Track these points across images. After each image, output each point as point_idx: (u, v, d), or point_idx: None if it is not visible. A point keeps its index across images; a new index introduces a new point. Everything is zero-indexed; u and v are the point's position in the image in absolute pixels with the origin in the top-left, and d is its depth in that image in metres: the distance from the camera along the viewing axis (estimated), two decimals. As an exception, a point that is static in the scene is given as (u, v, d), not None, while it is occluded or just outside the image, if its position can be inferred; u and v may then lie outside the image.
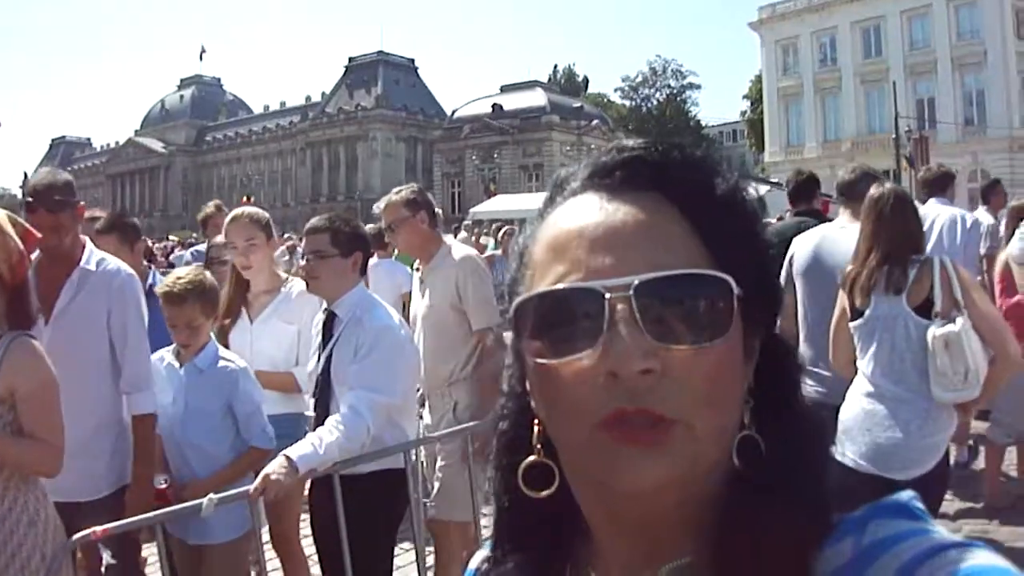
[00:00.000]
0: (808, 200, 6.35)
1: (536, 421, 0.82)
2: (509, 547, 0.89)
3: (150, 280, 4.50)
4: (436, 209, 4.79)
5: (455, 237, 12.67)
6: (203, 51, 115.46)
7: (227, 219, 4.55)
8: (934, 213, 7.02)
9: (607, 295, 0.70)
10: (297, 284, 4.48)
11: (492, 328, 4.64)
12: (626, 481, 0.70)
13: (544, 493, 0.82)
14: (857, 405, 3.93)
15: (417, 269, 4.86)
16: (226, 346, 4.25)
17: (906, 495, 0.74)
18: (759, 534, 0.69)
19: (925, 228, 5.75)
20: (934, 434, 3.76)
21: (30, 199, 3.63)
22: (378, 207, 4.82)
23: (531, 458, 0.83)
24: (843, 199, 5.08)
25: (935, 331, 3.63)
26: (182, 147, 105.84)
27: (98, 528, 3.01)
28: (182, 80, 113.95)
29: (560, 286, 0.73)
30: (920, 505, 0.73)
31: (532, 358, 0.76)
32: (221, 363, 3.87)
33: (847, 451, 3.80)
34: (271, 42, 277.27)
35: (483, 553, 0.95)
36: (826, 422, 0.81)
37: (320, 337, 3.94)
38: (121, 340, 3.75)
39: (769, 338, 0.81)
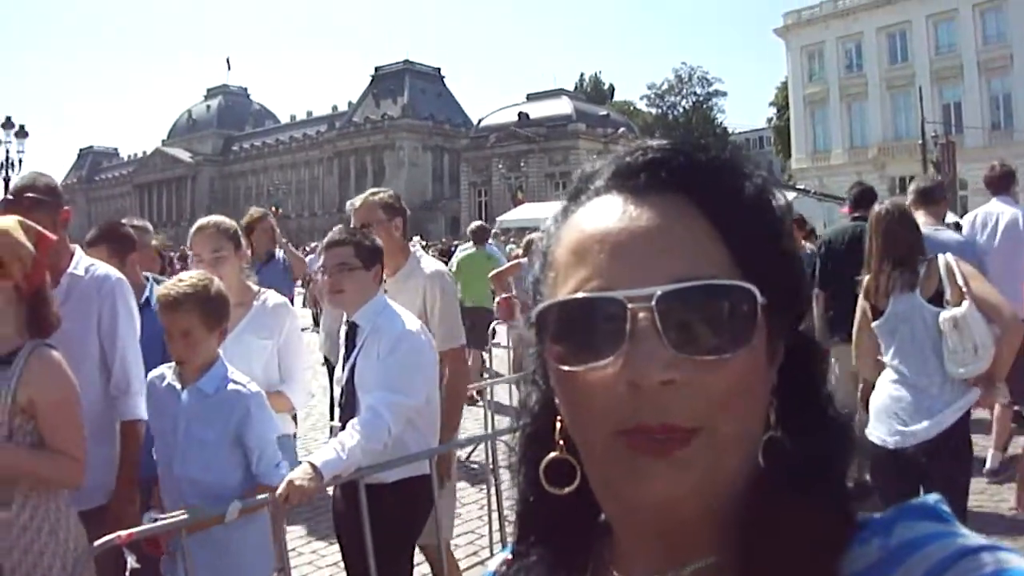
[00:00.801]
0: (866, 207, 6.78)
1: (558, 417, 0.80)
2: (534, 541, 0.87)
3: (146, 293, 4.26)
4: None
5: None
6: (230, 61, 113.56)
7: (192, 230, 4.37)
8: (997, 211, 7.22)
9: (629, 305, 0.68)
10: (272, 296, 4.35)
11: (456, 347, 4.63)
12: (645, 493, 0.69)
13: (565, 490, 0.81)
14: (884, 392, 4.41)
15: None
16: None
17: (933, 498, 0.73)
18: (784, 535, 0.68)
19: (990, 226, 7.05)
20: (948, 407, 4.23)
21: (10, 199, 3.59)
22: (352, 204, 4.72)
23: (552, 454, 0.82)
24: (921, 203, 5.92)
25: (944, 315, 4.12)
26: (209, 157, 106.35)
27: (123, 532, 2.97)
28: (209, 90, 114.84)
29: (582, 295, 0.72)
30: (947, 508, 0.71)
31: (554, 363, 0.74)
32: (231, 386, 3.40)
33: (875, 431, 4.32)
34: (297, 51, 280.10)
35: (503, 555, 0.93)
36: (851, 422, 0.79)
37: (344, 348, 3.92)
38: (111, 344, 3.67)
39: (794, 339, 0.78)
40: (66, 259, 3.63)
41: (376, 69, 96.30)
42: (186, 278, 3.43)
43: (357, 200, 4.70)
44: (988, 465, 6.70)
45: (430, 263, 4.76)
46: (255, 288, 4.31)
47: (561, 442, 0.81)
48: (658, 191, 0.75)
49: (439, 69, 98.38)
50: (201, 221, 4.35)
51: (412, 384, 3.64)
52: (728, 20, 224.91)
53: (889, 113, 56.24)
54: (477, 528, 6.11)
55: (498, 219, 41.84)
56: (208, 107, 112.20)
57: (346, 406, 3.81)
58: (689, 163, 0.76)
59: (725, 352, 0.69)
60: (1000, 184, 7.45)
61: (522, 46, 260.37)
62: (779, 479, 0.72)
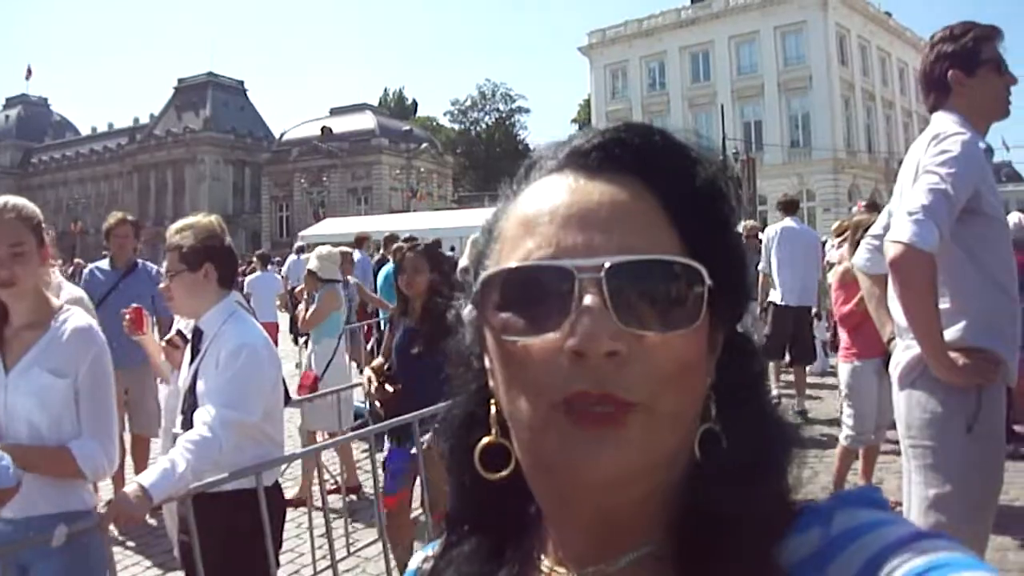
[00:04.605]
0: None
1: (493, 401, 0.69)
2: (467, 529, 0.75)
3: None
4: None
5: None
6: (29, 70, 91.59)
7: None
8: (782, 227, 8.70)
9: (578, 275, 0.59)
10: (74, 317, 2.78)
11: None
12: (583, 470, 0.59)
13: (499, 475, 0.68)
14: None
15: None
16: None
17: (870, 488, 0.66)
18: (721, 523, 0.60)
19: (785, 238, 8.51)
20: None
21: None
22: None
23: (486, 439, 0.69)
24: None
25: None
26: (7, 169, 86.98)
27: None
28: (7, 99, 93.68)
29: (530, 263, 0.61)
30: (884, 497, 0.65)
31: (495, 334, 0.63)
32: None
33: None
34: (100, 62, 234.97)
35: (424, 552, 0.81)
36: (788, 419, 0.70)
37: (190, 353, 3.25)
38: None
39: (733, 334, 0.68)
40: None
41: (179, 81, 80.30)
42: None
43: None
44: (794, 408, 8.13)
45: (68, 291, 4.09)
46: (56, 303, 2.83)
47: (496, 427, 0.69)
48: (611, 171, 0.64)
49: (242, 82, 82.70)
50: None
51: (249, 399, 3.00)
52: (533, 38, 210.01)
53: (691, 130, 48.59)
54: (297, 547, 5.08)
55: (300, 234, 35.59)
56: (7, 117, 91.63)
57: (188, 413, 3.09)
58: (643, 145, 0.66)
59: (670, 329, 0.59)
60: (790, 208, 8.99)
61: (326, 60, 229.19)
62: (715, 470, 0.63)
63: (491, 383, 0.67)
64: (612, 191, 0.63)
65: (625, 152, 0.64)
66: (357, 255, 12.17)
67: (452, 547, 0.74)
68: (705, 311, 0.61)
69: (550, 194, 0.64)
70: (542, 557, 0.69)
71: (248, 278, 11.34)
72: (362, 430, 3.91)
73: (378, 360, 4.56)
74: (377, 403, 4.30)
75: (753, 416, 0.66)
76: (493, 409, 0.68)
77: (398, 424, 3.95)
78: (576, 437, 0.58)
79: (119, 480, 5.63)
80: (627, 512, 0.62)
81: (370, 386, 4.40)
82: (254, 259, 13.80)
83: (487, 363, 0.68)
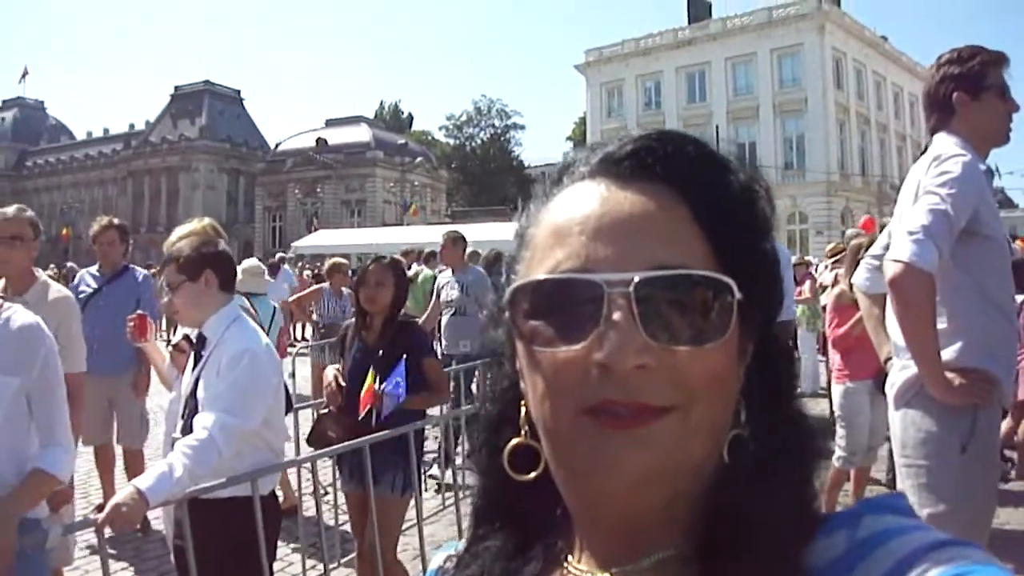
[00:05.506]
0: None
1: (523, 402, 0.69)
2: (498, 526, 0.75)
3: None
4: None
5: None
6: (26, 72, 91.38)
7: None
8: None
9: (607, 289, 0.59)
10: (18, 314, 2.65)
11: (76, 372, 3.89)
12: (608, 474, 0.59)
13: (528, 476, 0.68)
14: None
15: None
16: None
17: (896, 495, 0.66)
18: (748, 526, 0.59)
19: None
20: None
21: None
22: (4, 213, 3.90)
23: (516, 440, 0.70)
24: None
25: None
26: (2, 171, 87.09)
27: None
28: (4, 102, 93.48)
29: (559, 275, 0.62)
30: (909, 504, 0.64)
31: (525, 341, 0.64)
32: None
33: None
34: (97, 67, 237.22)
35: (445, 552, 0.81)
36: (818, 424, 0.70)
37: (192, 359, 3.23)
38: None
39: (763, 340, 0.67)
40: None
41: (175, 88, 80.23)
42: None
43: (9, 210, 3.94)
44: None
45: (57, 289, 4.24)
46: None
47: (525, 428, 0.70)
48: (643, 180, 0.64)
49: (239, 91, 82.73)
50: None
51: (249, 406, 2.97)
52: (530, 54, 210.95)
53: (685, 151, 50.15)
54: (285, 556, 5.05)
55: (293, 245, 36.66)
56: (3, 119, 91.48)
57: (189, 418, 3.08)
58: (676, 154, 0.65)
59: (699, 343, 0.59)
60: None
61: (323, 72, 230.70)
62: (743, 473, 0.62)
63: (522, 385, 0.67)
64: (643, 201, 0.62)
65: (657, 161, 0.64)
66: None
67: (479, 541, 0.74)
68: (735, 323, 0.60)
69: (581, 203, 0.64)
70: (568, 556, 0.69)
71: (246, 286, 11.46)
72: (356, 440, 3.82)
73: (334, 369, 4.29)
74: (331, 433, 4.04)
75: (782, 422, 0.65)
76: (523, 410, 0.68)
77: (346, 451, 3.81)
78: (603, 439, 0.58)
79: (109, 490, 5.56)
80: (653, 514, 0.61)
81: (333, 385, 4.13)
82: (250, 267, 13.99)
83: (518, 365, 0.67)
